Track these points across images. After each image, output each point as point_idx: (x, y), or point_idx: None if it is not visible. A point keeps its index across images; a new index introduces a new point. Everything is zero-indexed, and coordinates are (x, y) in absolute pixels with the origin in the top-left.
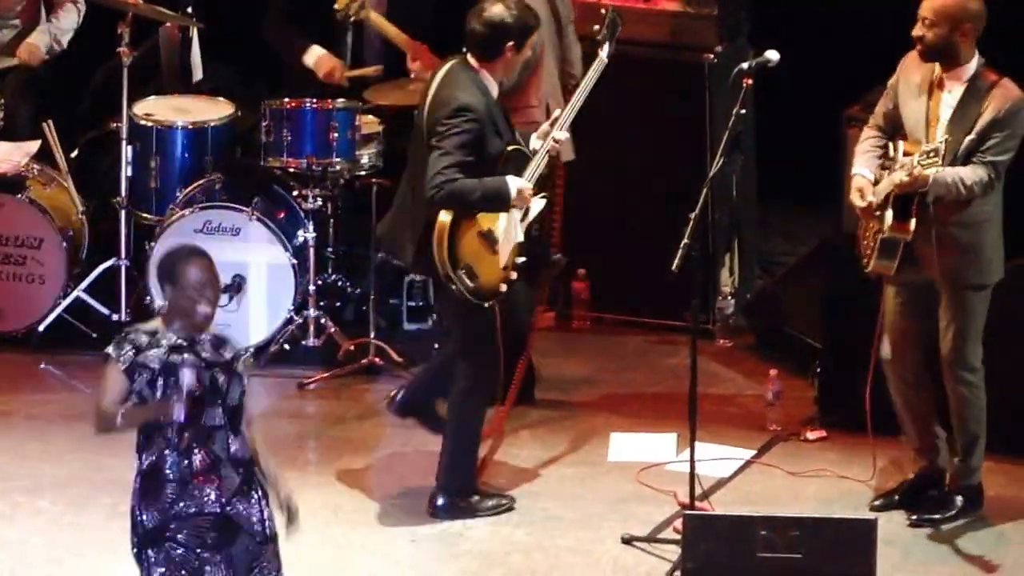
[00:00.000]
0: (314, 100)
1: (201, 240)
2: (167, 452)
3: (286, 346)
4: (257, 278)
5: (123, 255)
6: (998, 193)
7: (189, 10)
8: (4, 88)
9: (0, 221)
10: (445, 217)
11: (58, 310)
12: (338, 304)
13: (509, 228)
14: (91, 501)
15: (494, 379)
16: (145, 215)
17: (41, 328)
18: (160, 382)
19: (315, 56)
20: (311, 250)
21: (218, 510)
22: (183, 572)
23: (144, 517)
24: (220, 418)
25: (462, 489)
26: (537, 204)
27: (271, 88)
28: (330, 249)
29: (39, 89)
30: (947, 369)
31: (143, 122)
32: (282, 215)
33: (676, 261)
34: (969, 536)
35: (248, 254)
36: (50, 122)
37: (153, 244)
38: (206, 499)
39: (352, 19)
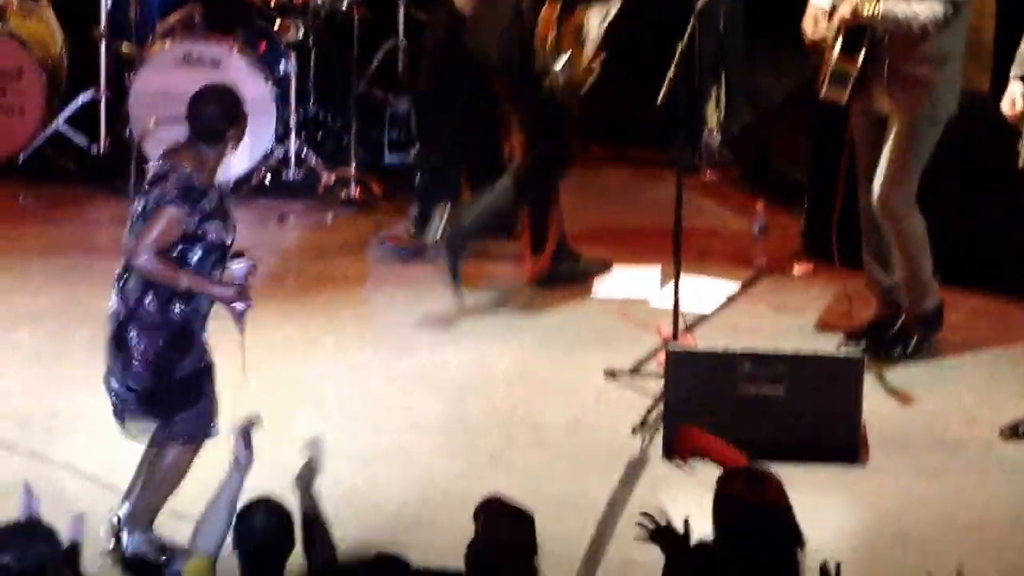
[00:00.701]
0: None
1: (182, 72)
2: (196, 306)
3: (267, 178)
4: None
5: (103, 87)
6: (960, 27)
7: None
8: None
9: None
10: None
11: (37, 141)
12: (319, 136)
13: (595, 27)
14: (69, 335)
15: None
16: (125, 46)
17: (20, 160)
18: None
19: None
20: (292, 82)
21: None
22: None
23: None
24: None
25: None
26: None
27: None
28: (311, 82)
29: None
30: (877, 205)
31: None
32: (263, 47)
33: (662, 93)
34: (924, 367)
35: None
36: None
37: (133, 76)
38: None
39: None
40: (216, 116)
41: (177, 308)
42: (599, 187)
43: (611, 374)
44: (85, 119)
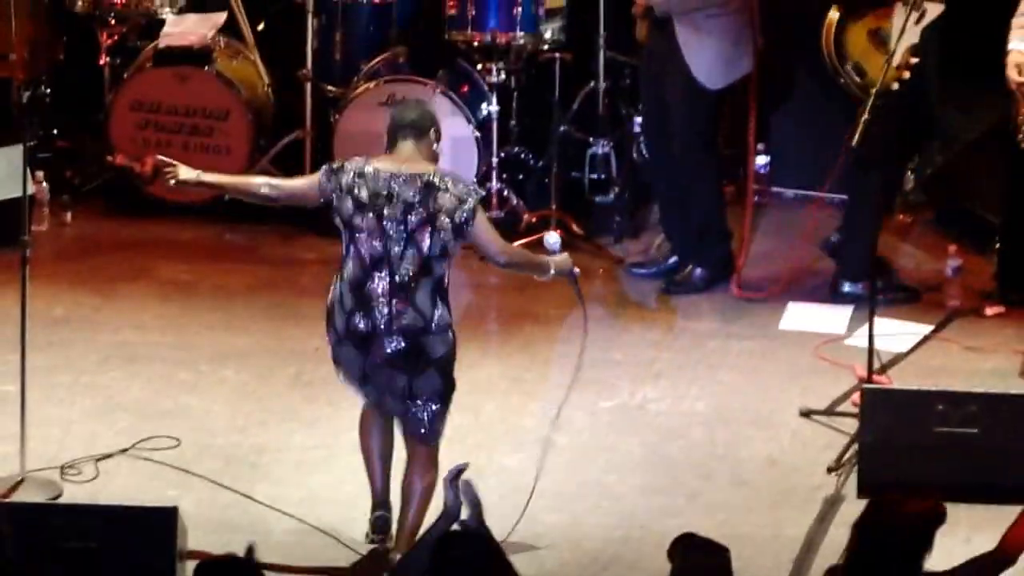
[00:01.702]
0: None
1: (386, 114)
2: None
3: None
4: (443, 151)
5: (308, 128)
6: None
7: None
8: None
9: (188, 93)
10: (833, 14)
11: None
12: (520, 177)
13: (902, 27)
14: (274, 371)
15: None
16: (330, 88)
17: (226, 198)
18: None
19: None
20: (494, 123)
21: None
22: None
23: None
24: None
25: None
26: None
27: None
28: (513, 122)
29: None
30: None
31: None
32: (466, 88)
33: (856, 136)
34: None
35: None
36: None
37: (337, 116)
38: None
39: None
40: (422, 112)
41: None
42: (794, 228)
43: (807, 413)
44: (290, 159)
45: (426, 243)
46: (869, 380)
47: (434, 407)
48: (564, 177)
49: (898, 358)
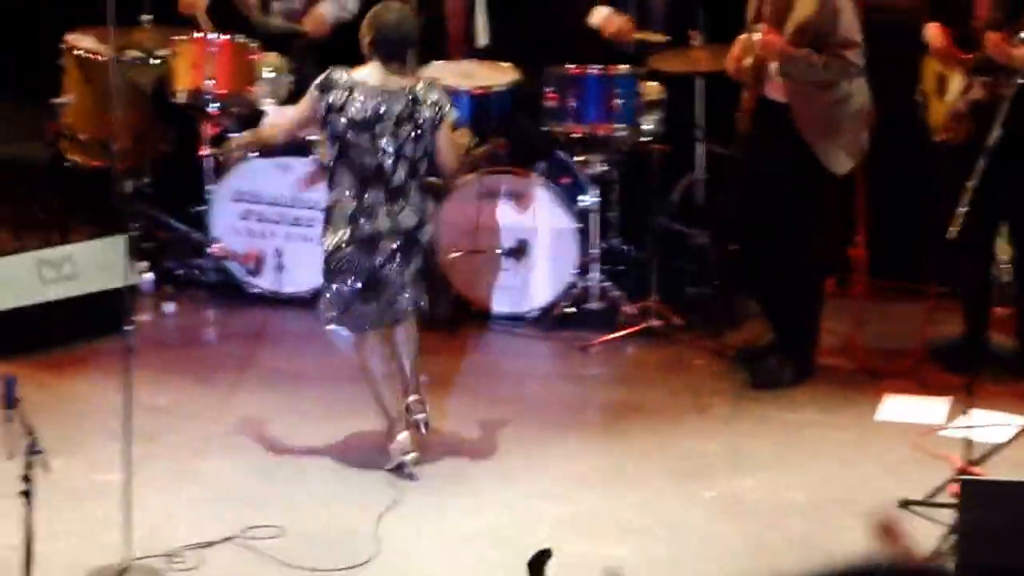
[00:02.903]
0: (597, 66)
1: (486, 205)
2: None
3: (569, 309)
4: (541, 242)
5: None
6: None
7: None
8: (291, 54)
9: (290, 184)
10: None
11: None
12: (620, 268)
13: (957, 91)
14: (378, 461)
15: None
16: (431, 179)
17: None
18: None
19: (601, 14)
20: (594, 215)
21: None
22: None
23: None
24: None
25: None
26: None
27: (554, 53)
28: (613, 214)
29: (327, 55)
30: None
31: None
32: (565, 180)
33: (954, 228)
34: None
35: (532, 219)
36: None
37: (438, 208)
38: None
39: None
40: (412, 33)
41: None
42: (893, 319)
43: (905, 504)
44: None
45: (413, 150)
46: (966, 471)
47: (419, 285)
48: (663, 268)
49: (995, 449)
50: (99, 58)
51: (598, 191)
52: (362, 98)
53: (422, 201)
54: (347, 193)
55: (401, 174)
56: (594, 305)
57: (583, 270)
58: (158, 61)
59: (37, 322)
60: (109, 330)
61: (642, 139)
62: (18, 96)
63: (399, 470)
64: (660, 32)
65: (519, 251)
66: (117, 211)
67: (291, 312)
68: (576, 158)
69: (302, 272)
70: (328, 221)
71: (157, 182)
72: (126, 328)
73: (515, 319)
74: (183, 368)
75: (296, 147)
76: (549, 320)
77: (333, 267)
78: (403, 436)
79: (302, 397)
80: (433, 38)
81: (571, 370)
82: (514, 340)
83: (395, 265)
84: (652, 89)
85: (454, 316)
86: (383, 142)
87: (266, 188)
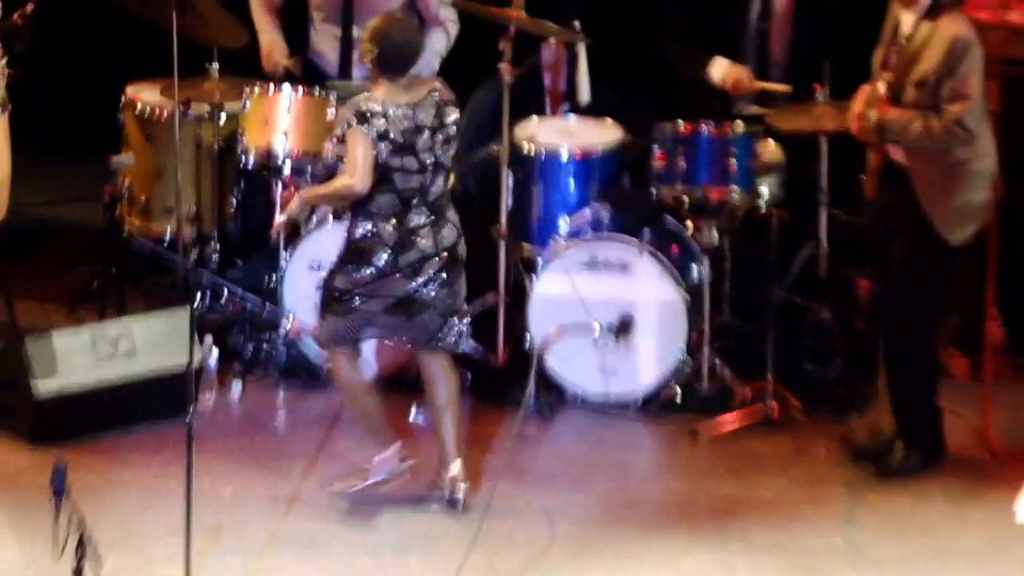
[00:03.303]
0: (710, 124)
1: (587, 276)
2: None
3: (677, 391)
4: (646, 317)
5: (501, 291)
6: None
7: (576, 25)
8: None
9: None
10: None
11: None
12: (734, 346)
13: None
14: (452, 559)
15: None
16: (526, 247)
17: (414, 372)
18: None
19: (721, 68)
20: (705, 287)
21: None
22: None
23: None
24: None
25: None
26: None
27: (661, 110)
28: (726, 286)
29: None
30: None
31: (525, 146)
32: (674, 249)
33: None
34: None
35: (637, 291)
36: None
37: (534, 279)
38: None
39: None
40: (418, 40)
41: None
42: None
43: None
44: (481, 326)
45: (446, 159)
46: None
47: (464, 320)
48: (781, 347)
49: None
50: (162, 113)
51: (710, 261)
52: (396, 120)
53: (454, 213)
54: (386, 220)
55: (439, 185)
56: (704, 388)
57: (693, 349)
58: (227, 116)
59: (91, 404)
60: (170, 413)
61: (759, 204)
62: (73, 154)
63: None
64: (784, 85)
65: (622, 328)
66: (179, 282)
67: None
68: (686, 225)
69: (386, 353)
70: (354, 254)
71: (224, 250)
72: (188, 411)
73: (617, 404)
74: (250, 456)
75: None
76: (654, 405)
77: (357, 296)
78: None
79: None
80: (529, 92)
81: (678, 460)
82: (616, 427)
83: (435, 286)
84: (770, 149)
85: (549, 401)
86: (425, 158)
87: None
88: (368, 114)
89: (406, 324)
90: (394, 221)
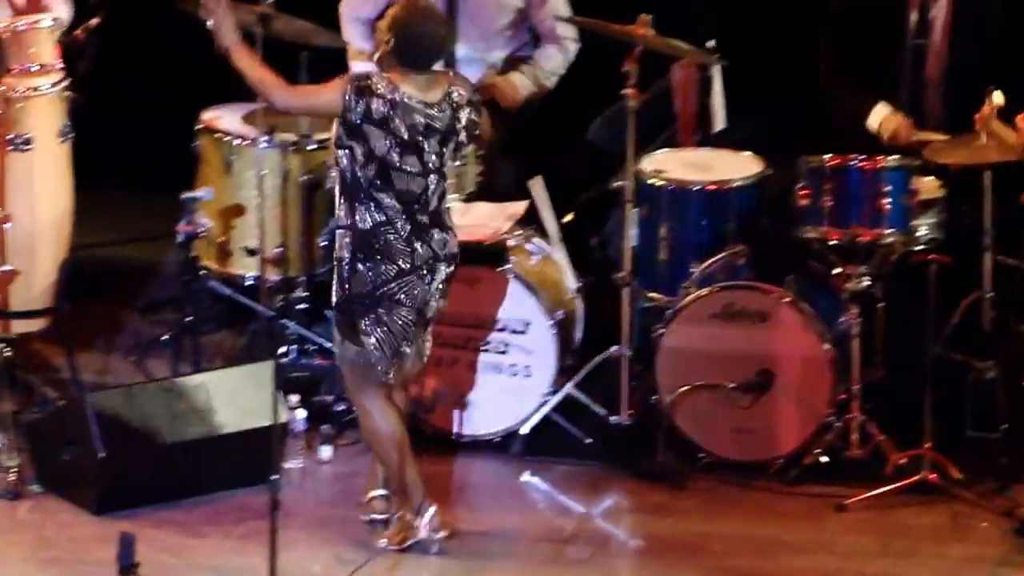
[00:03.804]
0: (861, 158)
1: (721, 328)
2: None
3: (822, 458)
4: (787, 374)
5: (624, 343)
6: None
7: (710, 44)
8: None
9: (478, 300)
10: None
11: (545, 409)
12: (886, 406)
13: None
14: None
15: None
16: (653, 295)
17: (524, 431)
18: None
19: (880, 116)
20: (855, 341)
21: None
22: None
23: None
24: None
25: None
26: None
27: (806, 141)
28: (877, 339)
29: (518, 140)
30: None
31: (652, 180)
32: (819, 298)
33: None
34: None
35: (777, 344)
36: (539, 179)
37: (662, 330)
38: None
39: None
40: (450, 35)
41: None
42: None
43: None
44: (604, 381)
45: (450, 165)
46: None
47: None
48: (940, 408)
49: None
50: (243, 142)
51: (860, 311)
52: (405, 112)
53: (451, 222)
54: (393, 217)
55: (439, 195)
56: (853, 453)
57: (840, 409)
58: (315, 146)
59: (162, 468)
60: (251, 479)
61: (915, 247)
62: (142, 188)
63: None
64: (941, 131)
65: (761, 385)
66: (262, 333)
67: (474, 458)
68: (833, 270)
69: (489, 410)
70: (368, 248)
71: (313, 296)
72: (272, 477)
73: (754, 469)
74: (340, 526)
75: (488, 255)
76: (795, 471)
77: (386, 297)
78: (432, 511)
79: (487, 564)
80: (657, 120)
81: (822, 535)
82: (752, 496)
83: (442, 300)
84: (928, 185)
85: (679, 466)
86: (428, 160)
87: (449, 305)
88: (371, 90)
89: (414, 357)
90: (397, 217)
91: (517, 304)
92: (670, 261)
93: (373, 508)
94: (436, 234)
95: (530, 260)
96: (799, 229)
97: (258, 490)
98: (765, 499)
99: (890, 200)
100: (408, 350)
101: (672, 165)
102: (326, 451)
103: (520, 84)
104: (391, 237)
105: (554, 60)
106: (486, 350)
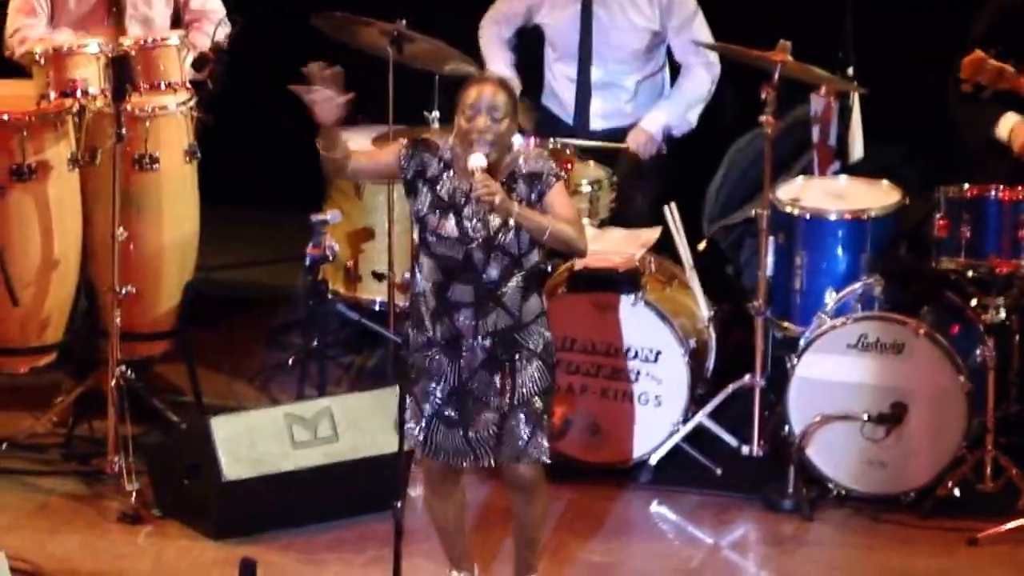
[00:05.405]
0: (1002, 188)
1: (854, 358)
2: None
3: (955, 491)
4: (922, 405)
5: (758, 373)
6: None
7: (849, 72)
8: (617, 164)
9: (609, 327)
10: None
11: (676, 438)
12: (1021, 440)
13: None
14: None
15: None
16: (786, 324)
17: (653, 461)
18: None
19: (1009, 125)
20: (991, 374)
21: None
22: None
23: None
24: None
25: None
26: None
27: (944, 171)
28: (1013, 372)
29: (660, 165)
30: None
31: (789, 209)
32: (955, 329)
33: None
34: None
35: (912, 377)
36: (673, 206)
37: (795, 361)
38: None
39: None
40: (510, 94)
41: None
42: None
43: None
44: (735, 411)
45: (511, 241)
46: None
47: (533, 416)
48: None
49: None
50: None
51: (995, 344)
52: (452, 175)
53: (522, 300)
54: (429, 285)
55: (495, 270)
56: (988, 487)
57: (974, 442)
58: None
59: (284, 494)
60: (375, 506)
61: None
62: (270, 210)
63: None
64: None
65: (893, 417)
66: (389, 358)
67: (608, 488)
68: (970, 301)
69: (621, 438)
70: (412, 315)
71: None
72: (397, 504)
73: (886, 502)
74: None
75: (620, 282)
76: (928, 505)
77: (415, 368)
78: None
79: None
80: (794, 148)
81: (956, 569)
82: (884, 529)
83: (487, 377)
84: None
85: (809, 497)
86: (470, 226)
87: (579, 331)
88: (427, 147)
89: (468, 440)
90: (432, 286)
91: (649, 332)
92: (805, 291)
93: None
94: (474, 311)
95: (664, 288)
96: (936, 260)
97: (380, 517)
98: (896, 532)
99: None
100: (445, 432)
101: (809, 193)
102: None
103: (654, 129)
104: (422, 306)
105: (702, 85)
106: (617, 378)
